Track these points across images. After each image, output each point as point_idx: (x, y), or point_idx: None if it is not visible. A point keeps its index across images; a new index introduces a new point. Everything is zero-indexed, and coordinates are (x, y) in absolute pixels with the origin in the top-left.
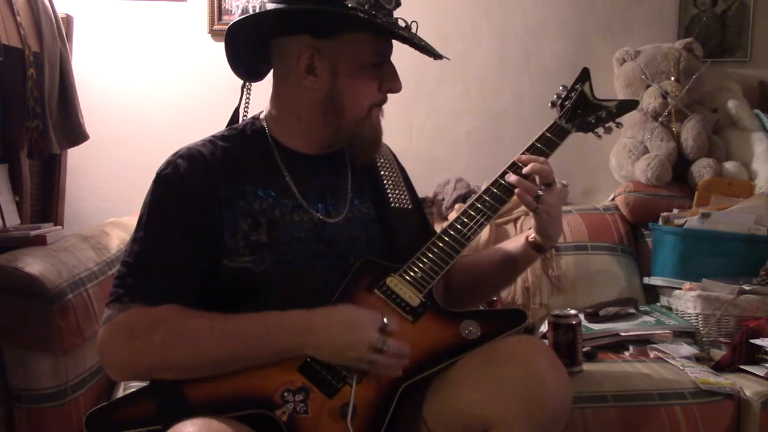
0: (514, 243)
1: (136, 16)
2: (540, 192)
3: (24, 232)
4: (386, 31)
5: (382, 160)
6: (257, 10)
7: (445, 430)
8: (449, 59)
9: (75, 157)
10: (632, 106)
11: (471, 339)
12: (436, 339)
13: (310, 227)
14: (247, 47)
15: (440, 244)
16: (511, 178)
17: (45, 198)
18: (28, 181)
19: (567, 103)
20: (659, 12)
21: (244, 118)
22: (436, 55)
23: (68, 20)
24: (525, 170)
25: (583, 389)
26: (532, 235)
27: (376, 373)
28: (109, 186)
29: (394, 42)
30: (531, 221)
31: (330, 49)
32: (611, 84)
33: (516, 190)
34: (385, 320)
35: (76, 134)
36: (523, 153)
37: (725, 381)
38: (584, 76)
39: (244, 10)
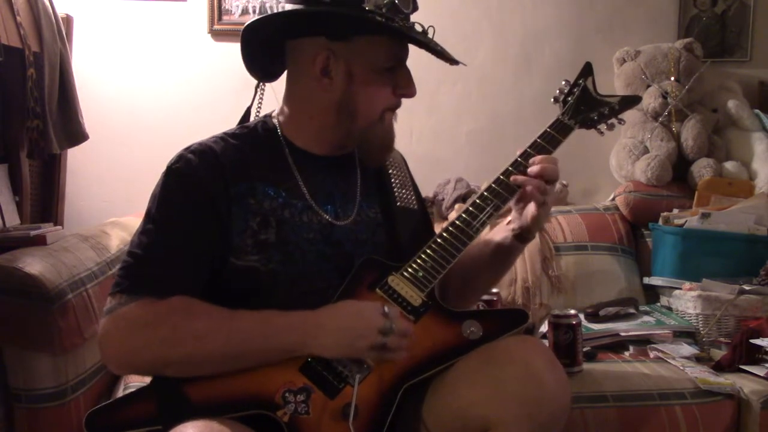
0: (501, 237)
1: (136, 16)
2: (548, 187)
3: (24, 232)
4: (403, 35)
5: (391, 164)
6: (274, 11)
7: (444, 430)
8: (465, 65)
9: (75, 157)
10: (635, 102)
11: (473, 339)
12: (438, 339)
13: (318, 229)
14: (263, 47)
15: (442, 243)
16: (519, 178)
17: (45, 198)
18: (28, 181)
19: (570, 98)
20: (659, 12)
21: (256, 117)
22: (452, 61)
23: (68, 20)
24: (533, 170)
25: (583, 389)
26: (516, 226)
27: (388, 358)
28: (109, 186)
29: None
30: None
31: (346, 52)
32: (611, 84)
33: (528, 188)
34: (385, 308)
35: (76, 134)
36: (525, 150)
37: (725, 381)
38: (587, 70)
39: (245, 10)
